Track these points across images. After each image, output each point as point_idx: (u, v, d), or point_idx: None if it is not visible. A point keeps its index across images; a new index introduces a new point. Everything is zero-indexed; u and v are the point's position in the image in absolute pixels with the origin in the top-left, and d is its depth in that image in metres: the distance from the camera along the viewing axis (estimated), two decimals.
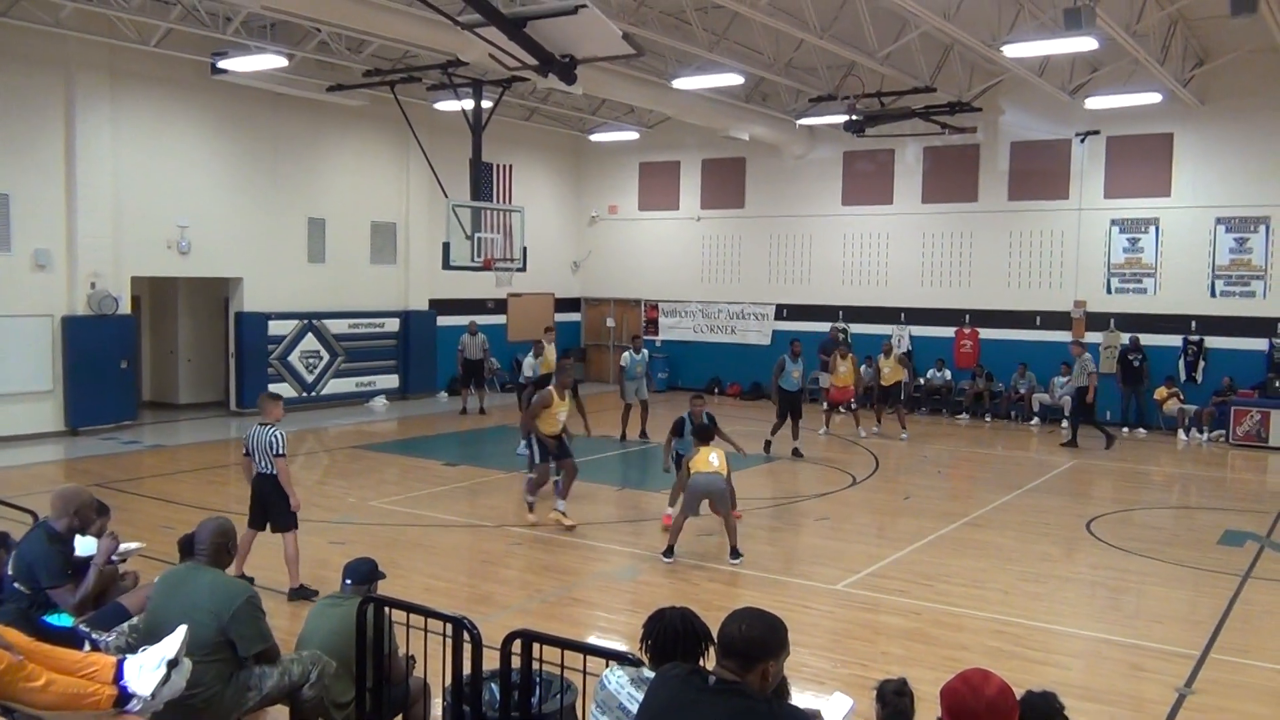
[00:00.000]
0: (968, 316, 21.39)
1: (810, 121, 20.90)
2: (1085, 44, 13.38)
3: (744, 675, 3.29)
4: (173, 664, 4.57)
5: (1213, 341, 19.00)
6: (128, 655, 4.71)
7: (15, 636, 4.50)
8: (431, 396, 22.52)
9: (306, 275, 20.43)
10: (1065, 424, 18.46)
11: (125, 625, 5.51)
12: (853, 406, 17.90)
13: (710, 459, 10.10)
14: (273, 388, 19.35)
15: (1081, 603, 9.40)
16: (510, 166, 24.23)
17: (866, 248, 22.53)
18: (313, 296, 20.49)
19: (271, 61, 16.59)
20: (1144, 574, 10.10)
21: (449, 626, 5.05)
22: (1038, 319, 20.37)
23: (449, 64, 16.47)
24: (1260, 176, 18.39)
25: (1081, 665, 7.66)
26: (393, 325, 22.00)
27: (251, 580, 7.93)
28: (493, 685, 5.04)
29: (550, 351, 17.20)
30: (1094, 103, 17.85)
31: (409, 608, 5.42)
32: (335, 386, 20.93)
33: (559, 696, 4.98)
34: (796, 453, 15.88)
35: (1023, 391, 20.20)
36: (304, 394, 20.31)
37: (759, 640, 3.32)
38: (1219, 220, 18.85)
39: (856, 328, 21.99)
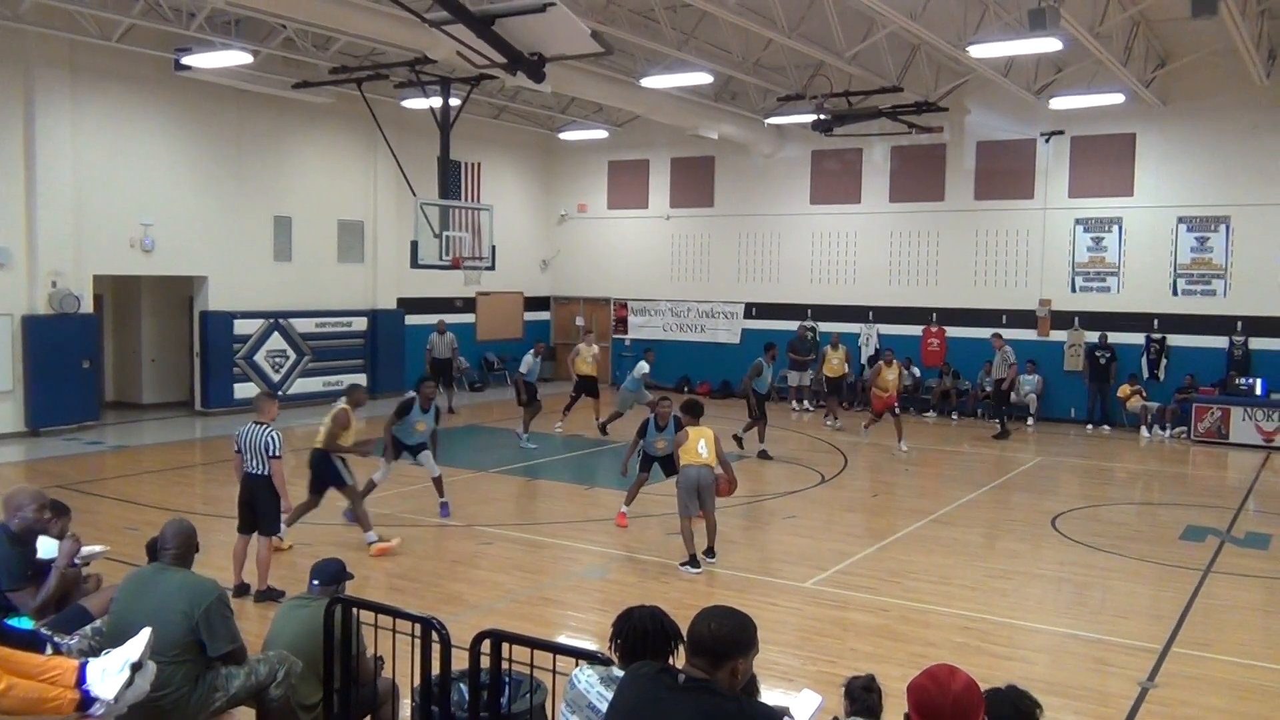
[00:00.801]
0: (935, 315, 21.54)
1: (779, 121, 20.98)
2: (1049, 45, 13.52)
3: (713, 673, 3.29)
4: (136, 667, 4.51)
5: (1175, 339, 19.24)
6: (90, 659, 4.63)
7: None
8: (400, 396, 22.29)
9: (272, 274, 20.22)
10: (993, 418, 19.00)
11: (88, 628, 5.44)
12: (896, 412, 16.93)
13: (699, 449, 9.91)
14: (238, 387, 19.24)
15: (1047, 598, 9.51)
16: (479, 165, 24.12)
17: (835, 247, 22.63)
18: (279, 295, 20.28)
19: (236, 58, 16.42)
20: (1108, 570, 10.23)
21: (417, 627, 5.02)
22: (1004, 317, 20.53)
23: (417, 61, 16.35)
24: (1221, 176, 18.66)
25: (1047, 660, 7.74)
26: (360, 324, 21.84)
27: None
28: (462, 685, 5.02)
29: (586, 351, 18.00)
30: (1058, 103, 18.03)
31: (377, 608, 5.39)
32: (302, 386, 20.71)
33: (528, 696, 4.96)
34: (764, 454, 15.92)
35: (988, 390, 20.34)
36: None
37: (728, 638, 3.33)
38: (1180, 219, 19.10)
39: (825, 326, 22.09)
